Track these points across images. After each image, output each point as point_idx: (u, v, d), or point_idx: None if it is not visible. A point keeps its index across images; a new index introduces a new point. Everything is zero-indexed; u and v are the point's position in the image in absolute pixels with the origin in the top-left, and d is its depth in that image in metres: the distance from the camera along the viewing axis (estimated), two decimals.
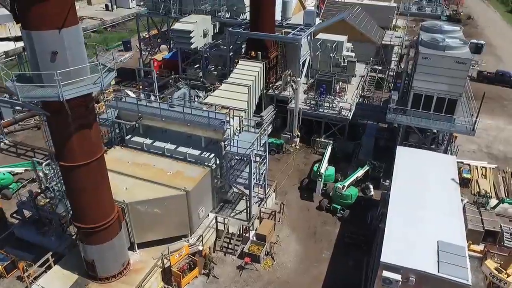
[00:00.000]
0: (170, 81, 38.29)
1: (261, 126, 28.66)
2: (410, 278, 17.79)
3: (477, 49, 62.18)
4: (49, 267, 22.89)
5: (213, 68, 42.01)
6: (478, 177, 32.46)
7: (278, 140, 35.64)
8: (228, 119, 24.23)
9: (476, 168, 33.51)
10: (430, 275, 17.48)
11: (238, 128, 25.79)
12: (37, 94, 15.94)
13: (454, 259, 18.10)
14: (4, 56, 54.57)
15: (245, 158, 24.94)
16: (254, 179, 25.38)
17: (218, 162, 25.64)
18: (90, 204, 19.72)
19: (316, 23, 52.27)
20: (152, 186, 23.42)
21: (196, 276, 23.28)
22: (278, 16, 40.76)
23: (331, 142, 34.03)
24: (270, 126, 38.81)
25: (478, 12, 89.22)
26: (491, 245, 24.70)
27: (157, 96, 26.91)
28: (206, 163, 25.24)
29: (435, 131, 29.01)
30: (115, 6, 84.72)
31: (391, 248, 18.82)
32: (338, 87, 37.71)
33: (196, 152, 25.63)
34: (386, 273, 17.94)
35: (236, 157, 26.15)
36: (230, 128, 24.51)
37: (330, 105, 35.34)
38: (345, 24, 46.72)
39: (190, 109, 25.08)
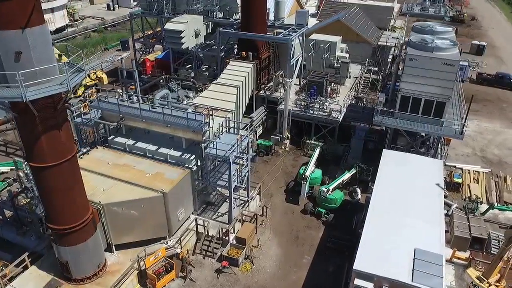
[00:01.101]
0: (161, 81, 38.04)
1: (248, 128, 28.19)
2: (383, 287, 17.35)
3: (478, 50, 61.58)
4: (26, 267, 22.76)
5: (204, 69, 41.70)
6: (470, 181, 31.74)
7: (267, 141, 35.24)
8: (207, 120, 23.90)
9: (469, 172, 32.78)
10: (403, 284, 17.03)
11: (220, 130, 25.40)
12: (1, 94, 15.76)
13: (429, 268, 17.63)
14: None
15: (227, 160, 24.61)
16: (235, 181, 25.06)
17: (199, 163, 25.37)
18: (62, 205, 19.54)
19: (313, 24, 52.07)
20: (129, 187, 23.20)
21: (173, 279, 22.98)
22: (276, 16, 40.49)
23: (320, 144, 33.52)
24: (261, 127, 38.52)
25: (483, 13, 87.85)
26: (477, 253, 24.05)
27: (139, 97, 26.64)
28: (187, 165, 24.98)
29: (423, 134, 28.36)
30: (116, 6, 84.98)
31: (365, 255, 18.41)
32: (329, 88, 37.18)
33: (177, 154, 25.38)
34: (358, 281, 17.51)
35: (219, 159, 25.85)
36: (209, 130, 24.19)
37: (320, 107, 34.84)
38: (341, 24, 46.15)
39: (170, 110, 24.81)
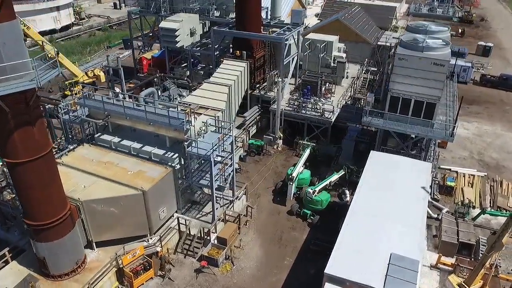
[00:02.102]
0: (155, 79, 38.05)
1: (232, 127, 27.92)
2: None
3: (484, 51, 60.22)
4: (7, 262, 22.91)
5: (199, 68, 41.60)
6: (464, 185, 30.93)
7: (259, 141, 34.94)
8: (189, 119, 23.73)
9: (463, 176, 31.96)
10: None
11: (204, 129, 25.21)
12: None
13: (404, 274, 17.16)
14: None
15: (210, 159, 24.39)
16: (217, 180, 24.85)
17: (183, 162, 25.23)
18: (38, 201, 19.58)
19: (315, 24, 51.64)
20: (110, 185, 23.18)
21: (152, 278, 22.88)
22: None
23: (312, 144, 33.10)
24: (255, 127, 38.24)
25: (494, 14, 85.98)
26: (463, 259, 23.36)
27: (125, 94, 26.64)
28: (170, 163, 24.85)
29: (413, 136, 27.70)
30: (123, 5, 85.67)
31: (339, 259, 18.03)
32: (324, 88, 36.70)
33: (161, 152, 25.28)
34: (328, 286, 17.13)
35: (203, 159, 25.66)
36: (191, 128, 24.01)
37: (313, 107, 34.40)
38: (340, 24, 45.59)
39: (154, 108, 24.73)
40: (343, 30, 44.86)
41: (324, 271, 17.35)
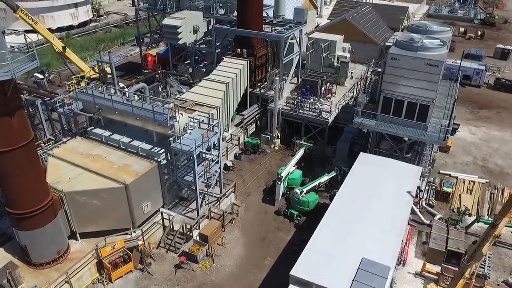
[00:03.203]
0: (157, 76, 38.42)
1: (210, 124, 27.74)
2: None
3: (503, 55, 57.97)
4: None
5: (202, 65, 41.72)
6: (463, 191, 29.79)
7: (255, 139, 34.72)
8: (173, 114, 23.78)
9: (463, 182, 30.79)
10: None
11: (190, 125, 25.23)
12: None
13: (372, 279, 16.62)
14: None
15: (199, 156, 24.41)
16: (201, 177, 24.84)
17: (169, 158, 25.34)
18: (18, 191, 20.09)
19: (325, 23, 51.03)
20: (94, 177, 23.54)
21: (131, 271, 23.08)
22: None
23: (309, 144, 32.69)
24: (254, 125, 38.04)
25: None
26: (448, 267, 22.43)
27: (116, 89, 26.97)
28: (156, 158, 25.01)
29: (406, 139, 26.85)
30: (141, 3, 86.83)
31: (307, 261, 17.63)
32: (324, 88, 36.13)
33: (148, 147, 25.47)
34: None
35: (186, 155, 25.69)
36: (176, 124, 24.05)
37: (310, 107, 33.92)
38: (348, 23, 44.80)
39: (141, 104, 24.93)
40: (350, 30, 44.10)
41: (289, 273, 17.01)
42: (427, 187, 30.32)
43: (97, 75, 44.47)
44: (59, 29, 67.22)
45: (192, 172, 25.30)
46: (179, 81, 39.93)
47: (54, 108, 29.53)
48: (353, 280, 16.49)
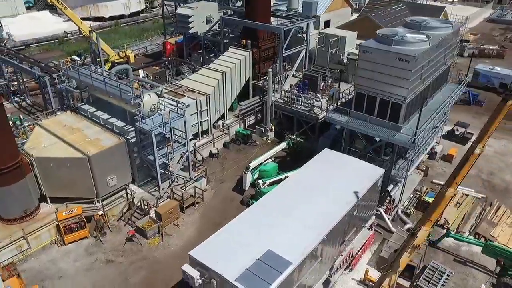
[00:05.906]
0: (166, 63, 40.03)
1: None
2: (212, 280, 16.37)
3: None
4: None
5: (212, 55, 42.51)
6: (449, 204, 27.15)
7: (245, 130, 34.74)
8: (138, 94, 24.80)
9: (455, 194, 27.99)
10: (225, 280, 15.86)
11: (159, 106, 26.08)
12: None
13: (266, 272, 16.10)
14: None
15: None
16: (163, 157, 25.64)
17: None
18: None
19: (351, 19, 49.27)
20: (65, 147, 25.41)
21: (86, 237, 24.56)
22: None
23: (292, 138, 32.03)
24: (253, 117, 38.03)
25: None
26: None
27: (103, 70, 28.73)
28: (126, 136, 26.28)
29: (376, 139, 25.16)
30: None
31: (210, 245, 17.54)
32: (323, 84, 35.03)
33: (121, 124, 26.85)
34: (186, 267, 16.84)
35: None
36: (142, 104, 25.02)
37: (303, 102, 33.13)
38: (369, 21, 42.76)
39: (117, 83, 26.31)
40: (371, 28, 41.86)
41: (188, 252, 17.08)
42: (411, 195, 28.29)
43: (122, 59, 47.54)
44: (112, 18, 72.45)
45: (159, 152, 26.23)
46: (191, 69, 41.25)
47: (53, 84, 32.23)
48: (245, 270, 16.06)
